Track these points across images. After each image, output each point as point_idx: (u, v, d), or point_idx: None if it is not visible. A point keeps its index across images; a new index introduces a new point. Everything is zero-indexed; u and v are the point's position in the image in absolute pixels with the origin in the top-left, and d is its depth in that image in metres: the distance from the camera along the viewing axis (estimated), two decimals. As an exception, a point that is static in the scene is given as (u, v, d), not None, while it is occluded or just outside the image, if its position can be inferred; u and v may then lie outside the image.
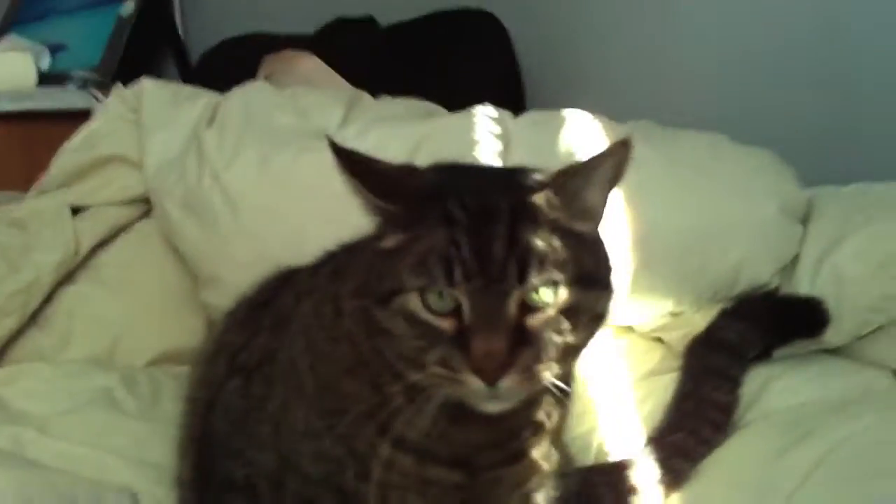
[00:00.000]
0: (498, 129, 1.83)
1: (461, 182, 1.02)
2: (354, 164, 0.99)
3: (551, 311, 0.93)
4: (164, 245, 1.90)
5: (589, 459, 1.56)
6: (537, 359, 0.92)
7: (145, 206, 1.96)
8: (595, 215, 1.00)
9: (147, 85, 2.02)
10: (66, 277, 1.83)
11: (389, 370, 1.00)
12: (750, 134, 1.95)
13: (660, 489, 1.45)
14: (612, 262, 1.01)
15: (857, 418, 1.43)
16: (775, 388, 1.62)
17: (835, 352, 1.73)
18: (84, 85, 2.97)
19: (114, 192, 1.94)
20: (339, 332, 1.07)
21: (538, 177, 1.00)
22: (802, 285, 1.75)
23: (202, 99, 1.98)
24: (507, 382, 0.91)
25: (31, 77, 2.97)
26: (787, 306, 1.72)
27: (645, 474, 1.46)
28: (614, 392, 1.68)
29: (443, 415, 0.98)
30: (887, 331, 1.69)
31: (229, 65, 2.71)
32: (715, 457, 1.48)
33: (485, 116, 1.84)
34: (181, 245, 1.82)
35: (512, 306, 0.91)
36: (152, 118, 1.94)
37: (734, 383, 1.60)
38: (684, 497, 1.44)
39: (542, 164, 1.68)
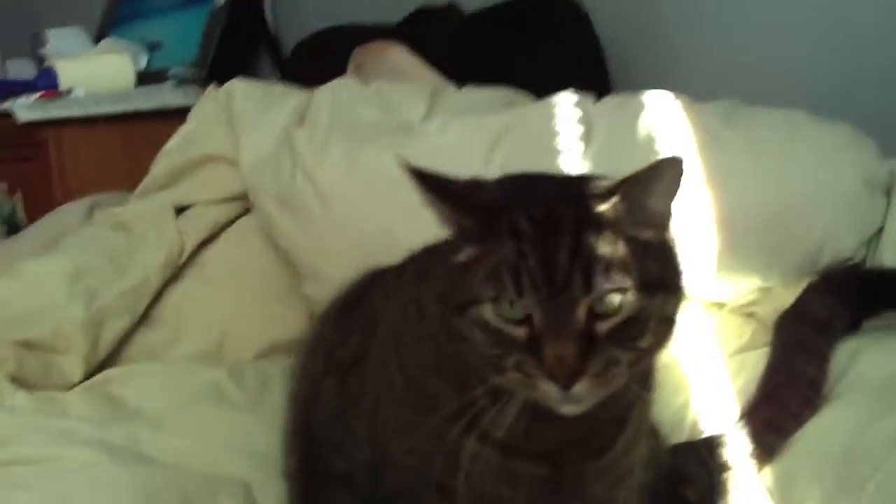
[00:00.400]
0: (580, 114, 1.86)
1: (526, 193, 1.05)
2: (428, 182, 1.04)
3: (619, 317, 0.96)
4: (264, 240, 1.97)
5: (682, 436, 1.59)
6: (609, 363, 0.96)
7: (244, 202, 2.05)
8: (659, 222, 1.02)
9: (237, 85, 2.10)
10: (173, 276, 1.92)
11: (472, 372, 1.05)
12: (832, 107, 1.97)
13: (752, 464, 1.48)
14: (682, 266, 1.04)
15: (946, 389, 1.44)
16: (864, 360, 1.63)
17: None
18: (181, 82, 3.05)
19: (213, 190, 2.03)
20: (424, 334, 1.12)
21: (601, 185, 1.03)
22: (888, 256, 1.77)
23: (292, 98, 2.05)
24: (581, 387, 0.95)
25: (130, 78, 3.06)
26: (875, 278, 1.74)
27: (737, 450, 1.49)
28: (707, 368, 1.71)
29: (525, 414, 1.02)
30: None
31: (321, 56, 2.78)
32: (805, 431, 1.51)
33: (566, 103, 1.87)
34: (280, 240, 1.90)
35: (580, 313, 0.95)
36: (244, 118, 2.01)
37: (823, 357, 1.62)
38: (775, 472, 1.47)
39: (623, 145, 1.77)
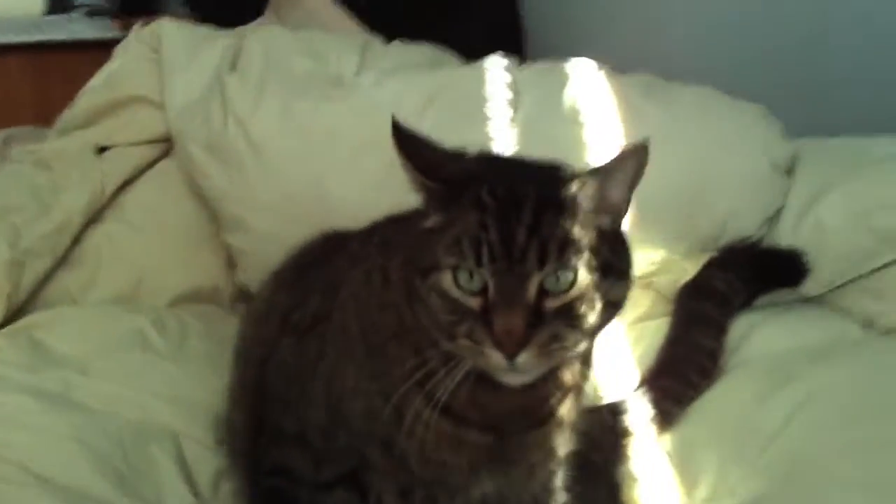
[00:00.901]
0: (508, 79, 1.93)
1: (496, 170, 1.13)
2: (409, 144, 1.11)
3: (568, 296, 1.04)
4: (185, 185, 1.98)
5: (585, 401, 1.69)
6: (553, 338, 1.04)
7: (166, 145, 2.04)
8: (617, 211, 1.11)
9: (166, 25, 2.09)
10: (93, 218, 1.91)
11: (427, 337, 1.12)
12: (740, 84, 2.07)
13: (651, 429, 1.59)
14: (632, 254, 1.13)
15: (834, 367, 1.57)
16: (757, 336, 1.76)
17: (810, 301, 1.86)
18: (91, 13, 3.00)
19: (136, 132, 2.02)
20: (387, 300, 1.20)
21: (567, 172, 1.11)
22: (785, 236, 1.88)
23: (222, 41, 2.05)
24: (524, 358, 1.02)
25: (38, 6, 2.98)
26: (771, 257, 1.85)
27: (638, 416, 1.60)
28: (607, 336, 1.80)
29: (474, 383, 1.10)
30: (858, 283, 1.82)
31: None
32: (702, 400, 1.63)
33: (496, 66, 1.93)
34: (205, 187, 1.90)
35: (531, 289, 1.03)
36: (173, 60, 2.01)
37: (721, 330, 1.74)
38: (674, 439, 1.58)
39: (550, 113, 1.84)
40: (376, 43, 2.12)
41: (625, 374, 1.72)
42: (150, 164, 2.03)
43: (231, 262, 1.93)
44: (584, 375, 1.24)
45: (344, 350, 1.24)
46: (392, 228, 1.29)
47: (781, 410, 1.50)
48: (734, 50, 2.31)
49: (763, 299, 1.84)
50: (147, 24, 2.13)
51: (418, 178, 1.10)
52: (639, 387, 1.65)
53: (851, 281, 1.81)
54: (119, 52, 2.12)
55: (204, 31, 2.10)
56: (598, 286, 1.06)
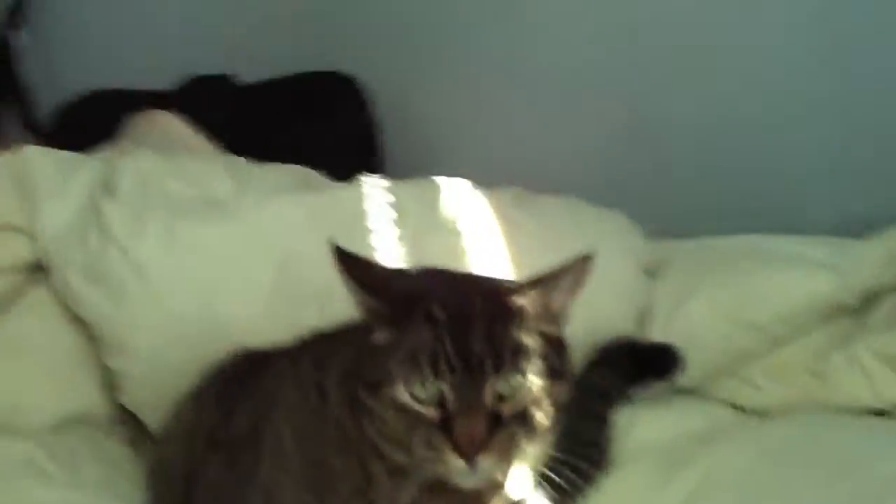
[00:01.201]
0: (392, 199, 1.98)
1: (441, 285, 1.19)
2: (352, 266, 1.15)
3: (522, 400, 1.10)
4: (58, 312, 1.92)
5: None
6: (511, 440, 1.10)
7: (30, 272, 1.97)
8: (559, 318, 1.18)
9: (32, 151, 2.04)
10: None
11: (373, 451, 1.15)
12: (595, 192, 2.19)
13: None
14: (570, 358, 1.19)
15: (720, 451, 1.66)
16: (641, 427, 1.84)
17: (684, 392, 1.98)
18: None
19: (2, 259, 1.95)
20: (326, 416, 1.22)
21: (510, 284, 1.17)
22: (656, 334, 1.99)
23: (91, 164, 2.01)
24: (485, 461, 1.07)
25: None
26: (646, 352, 1.95)
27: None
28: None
29: (420, 489, 1.14)
30: (726, 369, 1.96)
31: (91, 120, 2.73)
32: (599, 493, 1.68)
33: (376, 187, 1.99)
34: (84, 313, 1.86)
35: (489, 394, 1.08)
36: (41, 186, 1.94)
37: (605, 422, 1.81)
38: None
39: (432, 229, 1.90)
40: (244, 164, 2.14)
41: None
42: (18, 291, 1.96)
43: (107, 384, 1.89)
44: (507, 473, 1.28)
45: (280, 465, 1.25)
46: (323, 345, 1.32)
47: (679, 497, 1.58)
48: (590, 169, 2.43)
49: (642, 393, 1.93)
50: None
51: (365, 299, 1.14)
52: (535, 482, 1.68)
53: (722, 370, 1.92)
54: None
55: (70, 156, 2.05)
56: (547, 389, 1.12)
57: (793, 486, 1.51)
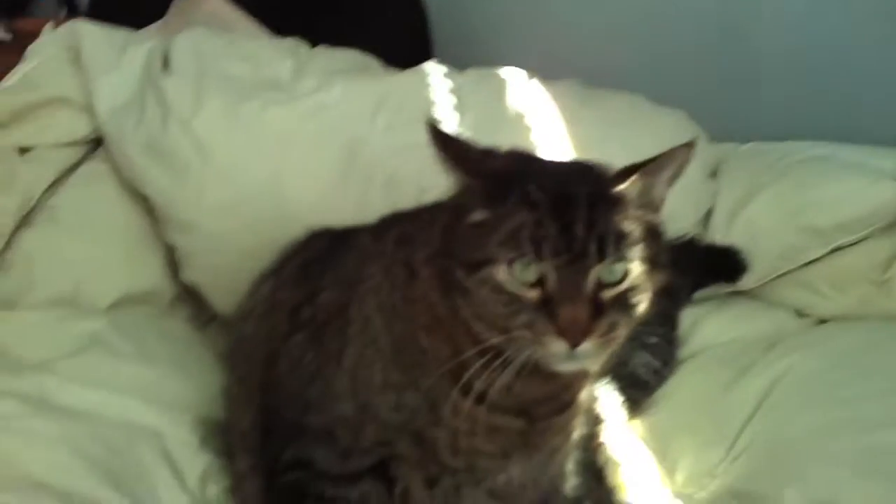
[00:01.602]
0: (450, 84, 1.95)
1: (536, 169, 1.16)
2: (446, 144, 1.12)
3: (623, 287, 1.08)
4: (118, 186, 1.90)
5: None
6: (612, 327, 1.07)
7: (89, 146, 1.96)
8: (659, 206, 1.16)
9: (84, 27, 2.01)
10: (23, 221, 1.82)
11: (466, 332, 1.14)
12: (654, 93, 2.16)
13: (621, 416, 1.64)
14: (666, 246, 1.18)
15: (787, 355, 1.67)
16: (704, 328, 1.87)
17: (744, 295, 1.98)
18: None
19: (58, 133, 1.92)
20: (415, 294, 1.20)
21: (610, 170, 1.15)
22: (718, 235, 1.98)
23: (147, 42, 1.98)
24: (587, 346, 1.05)
25: None
26: (712, 254, 1.96)
27: (608, 403, 1.64)
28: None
29: (513, 374, 1.12)
30: (790, 277, 1.94)
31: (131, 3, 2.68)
32: (667, 389, 1.70)
33: (437, 73, 1.95)
34: (148, 190, 1.84)
35: (592, 281, 1.06)
36: (97, 61, 1.92)
37: (674, 322, 1.82)
38: (646, 426, 1.64)
39: (495, 118, 1.87)
40: (302, 47, 2.10)
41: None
42: (74, 167, 1.94)
43: (171, 262, 1.87)
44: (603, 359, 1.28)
45: (368, 344, 1.24)
46: (410, 224, 1.30)
47: (750, 397, 1.59)
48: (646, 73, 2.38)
49: (701, 294, 1.93)
50: (59, 24, 2.06)
51: (460, 176, 1.11)
52: (606, 376, 1.69)
53: (783, 275, 1.92)
54: (33, 52, 2.03)
55: (123, 32, 2.03)
56: (646, 276, 1.10)
57: (860, 394, 1.52)
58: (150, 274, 1.86)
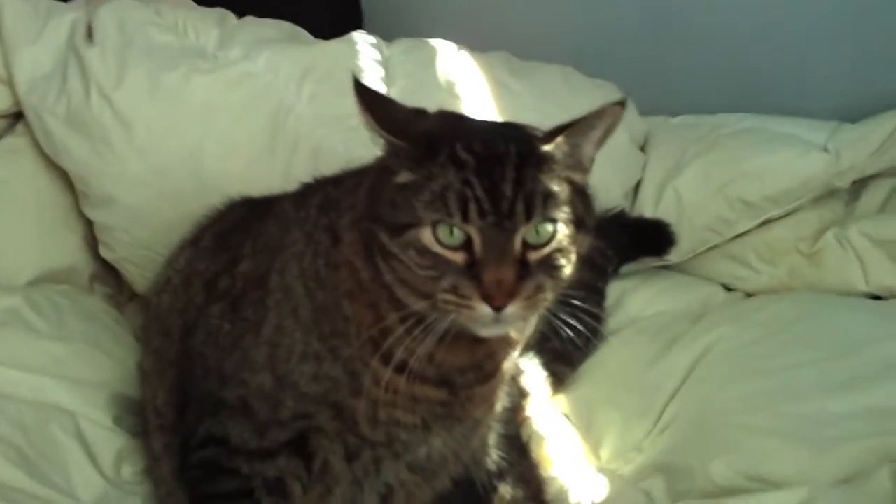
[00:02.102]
0: (378, 56, 1.91)
1: (464, 129, 1.13)
2: (373, 103, 1.09)
3: (549, 248, 1.06)
4: (37, 162, 1.85)
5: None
6: (537, 289, 1.05)
7: (7, 121, 1.89)
8: (587, 167, 1.13)
9: (2, -1, 1.95)
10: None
11: (389, 298, 1.11)
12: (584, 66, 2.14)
13: (545, 390, 1.62)
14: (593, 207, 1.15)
15: (714, 327, 1.65)
16: (631, 301, 1.87)
17: (672, 268, 1.98)
18: None
19: None
20: (338, 260, 1.18)
21: (536, 130, 1.12)
22: (646, 208, 1.97)
23: (69, 13, 1.91)
24: (512, 308, 1.03)
25: None
26: (639, 227, 1.94)
27: (532, 377, 1.62)
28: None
29: (435, 340, 1.10)
30: (719, 249, 1.95)
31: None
32: (593, 363, 1.68)
33: (364, 43, 1.92)
34: (68, 163, 1.79)
35: (518, 242, 1.04)
36: (17, 32, 1.85)
37: (601, 296, 1.81)
38: (571, 400, 1.63)
39: (424, 88, 1.84)
40: (229, 16, 2.05)
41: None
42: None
43: (90, 240, 1.83)
44: (523, 331, 1.26)
45: (288, 313, 1.21)
46: (333, 189, 1.26)
47: (676, 369, 1.57)
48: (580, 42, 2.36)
49: (628, 268, 1.92)
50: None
51: (385, 136, 1.08)
52: (529, 351, 1.67)
53: (712, 248, 1.92)
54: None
55: (46, 4, 1.96)
56: (573, 239, 1.08)
57: (790, 364, 1.50)
58: (68, 251, 1.82)
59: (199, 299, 1.33)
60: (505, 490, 1.41)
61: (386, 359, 1.13)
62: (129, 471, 1.43)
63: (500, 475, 1.39)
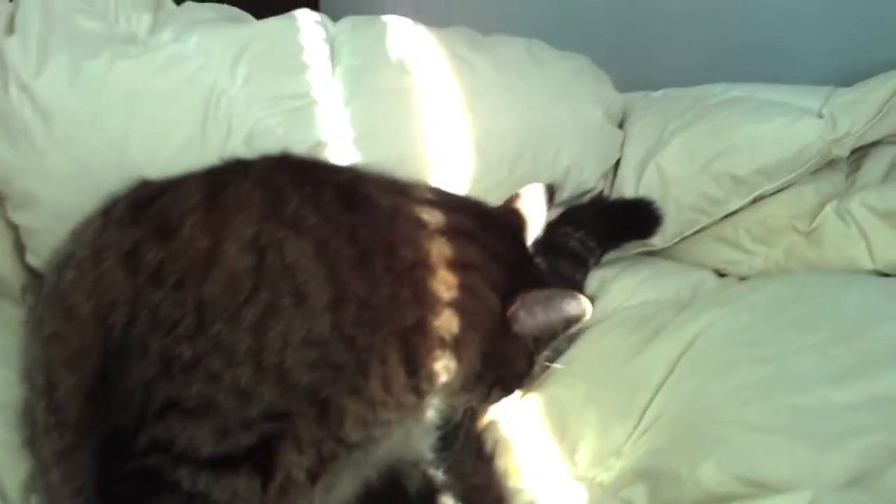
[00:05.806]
0: (323, 34, 1.76)
1: None
2: None
3: None
4: None
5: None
6: None
7: None
8: None
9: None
10: None
11: None
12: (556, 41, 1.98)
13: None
14: None
15: (702, 314, 1.47)
16: (612, 290, 1.71)
17: (659, 254, 1.83)
18: None
19: None
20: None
21: None
22: (627, 188, 1.81)
23: None
24: None
25: None
26: (621, 209, 1.79)
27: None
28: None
29: None
30: (709, 231, 1.78)
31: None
32: (570, 357, 1.52)
33: (307, 20, 1.77)
34: None
35: None
36: None
37: (580, 288, 1.66)
38: (544, 400, 1.46)
39: (374, 66, 1.69)
40: (168, 2, 1.90)
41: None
42: None
43: (17, 247, 1.68)
44: None
45: (287, 294, 1.07)
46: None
47: (660, 362, 1.41)
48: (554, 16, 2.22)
49: (609, 255, 1.78)
50: None
51: None
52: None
53: (700, 230, 1.76)
54: None
55: (-38, -9, 1.83)
56: None
57: (788, 350, 1.33)
58: (-5, 259, 1.66)
59: (117, 275, 1.15)
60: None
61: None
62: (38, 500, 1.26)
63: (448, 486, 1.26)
